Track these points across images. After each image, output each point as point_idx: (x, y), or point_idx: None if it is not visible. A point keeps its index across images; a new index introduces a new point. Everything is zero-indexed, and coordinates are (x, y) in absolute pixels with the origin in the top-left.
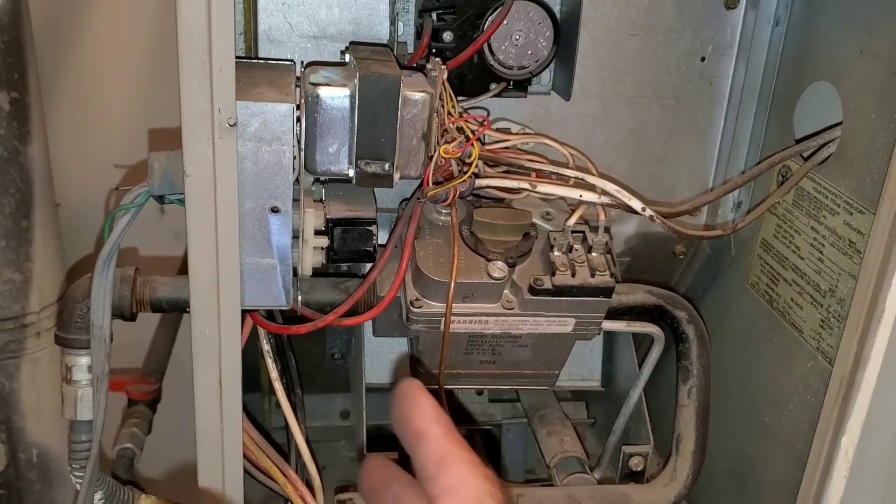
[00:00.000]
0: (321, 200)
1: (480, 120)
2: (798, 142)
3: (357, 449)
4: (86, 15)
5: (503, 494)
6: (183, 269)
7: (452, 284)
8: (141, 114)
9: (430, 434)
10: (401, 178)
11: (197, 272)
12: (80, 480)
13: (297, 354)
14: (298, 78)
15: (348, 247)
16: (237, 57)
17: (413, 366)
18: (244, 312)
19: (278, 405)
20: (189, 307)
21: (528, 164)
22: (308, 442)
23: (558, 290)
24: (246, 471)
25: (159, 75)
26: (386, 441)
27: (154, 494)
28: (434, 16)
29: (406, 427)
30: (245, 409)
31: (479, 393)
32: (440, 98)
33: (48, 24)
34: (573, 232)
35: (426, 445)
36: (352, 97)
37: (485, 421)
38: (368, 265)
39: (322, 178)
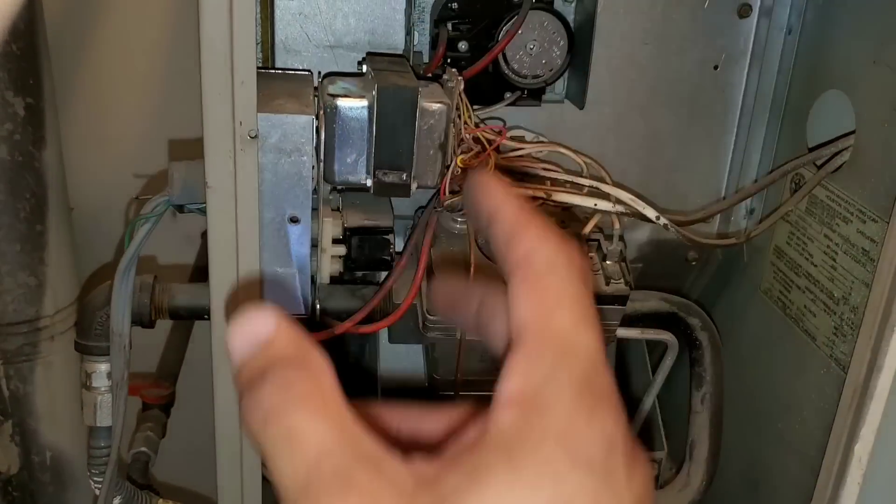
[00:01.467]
0: (339, 209)
1: (497, 130)
2: (811, 150)
3: None
4: (100, 21)
5: (579, 257)
6: (194, 275)
7: None
8: (154, 119)
9: (501, 213)
10: (418, 187)
11: (218, 281)
12: (100, 486)
13: None
14: (316, 88)
15: (365, 255)
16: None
17: (429, 373)
18: None
19: None
20: (207, 314)
21: (542, 173)
22: None
23: None
24: (264, 476)
25: (173, 81)
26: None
27: (170, 498)
28: (449, 26)
29: (479, 216)
30: None
31: None
32: (457, 108)
33: (63, 31)
34: (588, 240)
35: (497, 226)
36: (370, 108)
37: None
38: (385, 273)
39: (339, 188)
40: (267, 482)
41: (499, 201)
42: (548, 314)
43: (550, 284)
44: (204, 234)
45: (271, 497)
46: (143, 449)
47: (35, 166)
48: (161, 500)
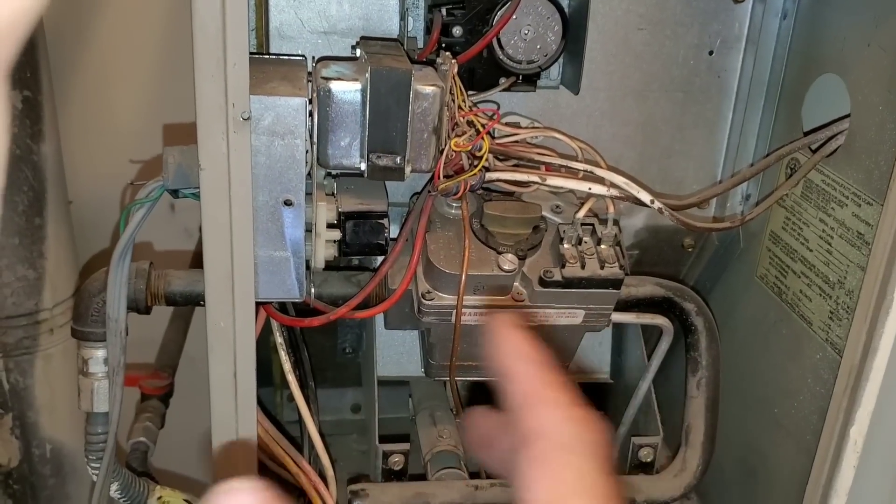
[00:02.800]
0: (333, 194)
1: (490, 113)
2: (806, 134)
3: (369, 442)
4: (96, 13)
5: (597, 434)
6: (194, 263)
7: (464, 277)
8: (152, 110)
9: (516, 374)
10: (412, 171)
11: (212, 265)
12: (97, 472)
13: (309, 348)
14: (310, 73)
15: (360, 240)
16: (249, 53)
17: (425, 358)
18: (258, 305)
19: (290, 399)
20: (203, 300)
21: (537, 158)
22: (321, 434)
23: (568, 282)
24: (260, 461)
25: (170, 71)
26: (398, 434)
27: (168, 486)
28: (444, 11)
29: (494, 366)
30: (258, 401)
31: None
32: (450, 92)
33: (59, 23)
34: (582, 224)
35: (511, 386)
36: (363, 91)
37: None
38: (380, 258)
39: (333, 172)
40: (263, 468)
41: (515, 358)
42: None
43: (565, 469)
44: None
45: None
46: (142, 439)
47: (33, 160)
48: (159, 487)
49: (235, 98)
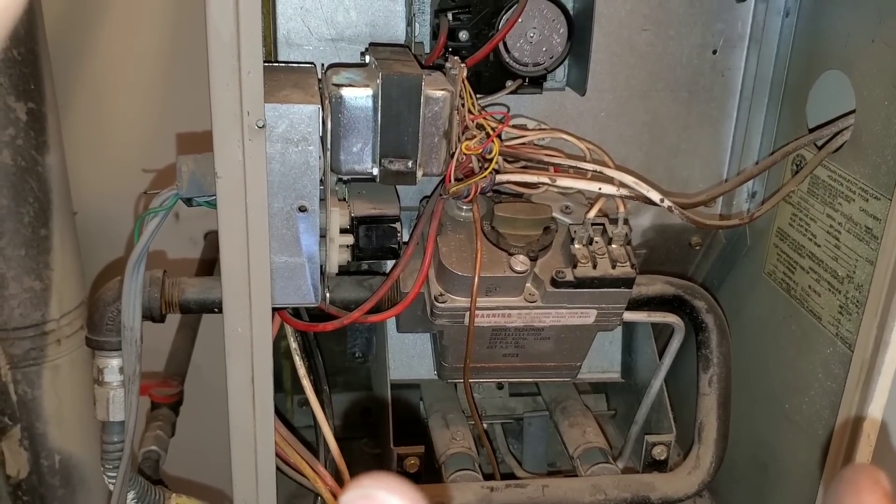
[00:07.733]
0: (345, 199)
1: (500, 116)
2: (811, 131)
3: (381, 445)
4: (99, 25)
5: None
6: (200, 271)
7: (476, 279)
8: (155, 120)
9: None
10: (423, 175)
11: (229, 271)
12: (114, 481)
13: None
14: (320, 80)
15: (373, 244)
16: None
17: (437, 361)
18: (273, 310)
19: (301, 404)
20: (217, 307)
21: (546, 159)
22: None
23: (580, 282)
24: (278, 468)
25: (173, 81)
26: (411, 436)
27: (181, 492)
28: (450, 16)
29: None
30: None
31: (500, 387)
32: (460, 96)
33: (62, 35)
34: (593, 224)
35: None
36: (375, 97)
37: (506, 415)
38: (391, 263)
39: (345, 178)
40: (278, 472)
41: None
42: None
43: None
44: (206, 236)
45: (283, 487)
46: (154, 447)
47: (38, 171)
48: (174, 495)
49: (250, 106)
